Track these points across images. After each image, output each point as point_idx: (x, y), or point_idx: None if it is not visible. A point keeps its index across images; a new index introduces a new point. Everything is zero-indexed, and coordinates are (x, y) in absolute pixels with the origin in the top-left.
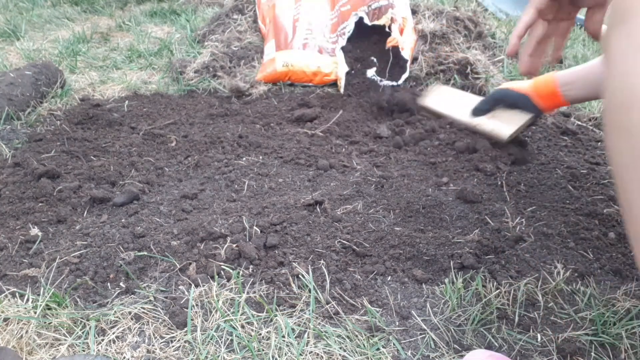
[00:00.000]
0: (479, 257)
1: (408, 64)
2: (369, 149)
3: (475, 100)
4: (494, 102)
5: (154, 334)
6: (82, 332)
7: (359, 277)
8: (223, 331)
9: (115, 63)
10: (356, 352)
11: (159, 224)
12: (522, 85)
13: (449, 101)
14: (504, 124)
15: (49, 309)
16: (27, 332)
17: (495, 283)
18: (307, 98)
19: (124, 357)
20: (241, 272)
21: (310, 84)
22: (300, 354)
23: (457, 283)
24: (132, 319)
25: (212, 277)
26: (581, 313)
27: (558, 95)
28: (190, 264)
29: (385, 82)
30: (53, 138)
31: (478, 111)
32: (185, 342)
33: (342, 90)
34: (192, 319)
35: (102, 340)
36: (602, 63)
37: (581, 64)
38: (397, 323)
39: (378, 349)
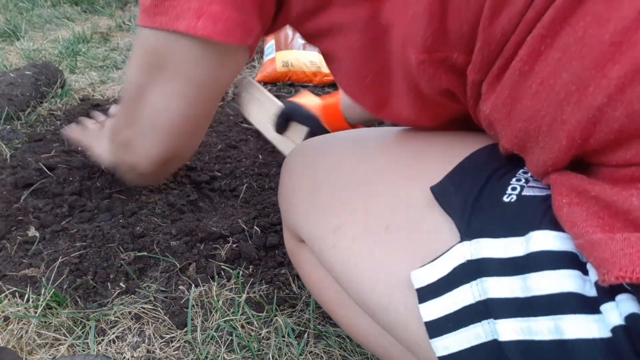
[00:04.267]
0: None
1: None
2: None
3: (275, 108)
4: (286, 119)
5: (154, 334)
6: (82, 332)
7: None
8: (223, 331)
9: (115, 63)
10: (356, 352)
11: (158, 224)
12: (314, 103)
13: (263, 114)
14: (287, 142)
15: (49, 308)
16: (27, 332)
17: None
18: None
19: (124, 357)
20: (241, 272)
21: (310, 84)
22: (300, 354)
23: None
24: (132, 319)
25: (212, 277)
26: None
27: (342, 118)
28: (190, 264)
29: None
30: (53, 138)
31: (276, 127)
32: (185, 342)
33: (341, 91)
34: (192, 319)
35: (102, 340)
36: None
37: None
38: None
39: None
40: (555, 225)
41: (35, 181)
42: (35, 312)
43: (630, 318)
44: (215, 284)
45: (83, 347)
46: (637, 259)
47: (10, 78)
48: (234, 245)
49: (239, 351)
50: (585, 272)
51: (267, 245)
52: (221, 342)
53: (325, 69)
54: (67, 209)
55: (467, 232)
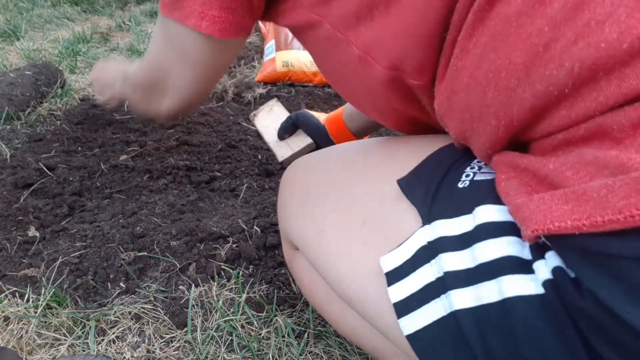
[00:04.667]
0: None
1: None
2: None
3: (284, 116)
4: (293, 125)
5: (154, 334)
6: (82, 332)
7: None
8: (223, 331)
9: None
10: (356, 352)
11: (158, 224)
12: (322, 115)
13: (272, 120)
14: (284, 147)
15: (49, 308)
16: (27, 332)
17: None
18: (306, 99)
19: (124, 357)
20: (241, 272)
21: (310, 84)
22: (300, 354)
23: None
24: (132, 319)
25: (212, 277)
26: None
27: (344, 128)
28: (190, 264)
29: None
30: (53, 138)
31: (281, 130)
32: (185, 342)
33: None
34: (192, 319)
35: (102, 340)
36: None
37: None
38: None
39: None
40: (498, 200)
41: (35, 181)
42: (35, 312)
43: (555, 270)
44: (215, 284)
45: (83, 347)
46: (549, 213)
47: (10, 78)
48: (234, 245)
49: (239, 351)
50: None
51: (267, 245)
52: (221, 342)
53: None
54: (67, 209)
55: (428, 218)
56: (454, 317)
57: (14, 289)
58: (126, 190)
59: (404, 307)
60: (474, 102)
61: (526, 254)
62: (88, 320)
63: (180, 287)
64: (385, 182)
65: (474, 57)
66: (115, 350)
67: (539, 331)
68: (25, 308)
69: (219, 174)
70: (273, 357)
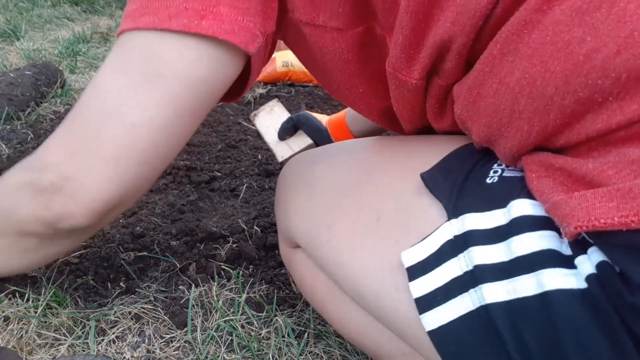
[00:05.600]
0: None
1: None
2: None
3: (285, 117)
4: (294, 126)
5: (154, 334)
6: (82, 332)
7: None
8: (223, 331)
9: None
10: (356, 352)
11: (158, 224)
12: (323, 117)
13: (272, 121)
14: (284, 147)
15: (49, 308)
16: (27, 332)
17: None
18: (306, 99)
19: (124, 357)
20: (241, 272)
21: (310, 84)
22: (300, 354)
23: None
24: (132, 319)
25: (212, 277)
26: None
27: (347, 130)
28: (190, 264)
29: None
30: None
31: (282, 130)
32: (185, 342)
33: None
34: (192, 319)
35: (102, 340)
36: None
37: None
38: None
39: None
40: (532, 196)
41: None
42: (35, 312)
43: (600, 266)
44: (215, 284)
45: (83, 347)
46: (592, 210)
47: (10, 78)
48: (234, 245)
49: (239, 351)
50: (561, 236)
51: (267, 245)
52: (221, 342)
53: None
54: None
55: (454, 212)
56: (485, 311)
57: (14, 288)
58: None
59: (427, 303)
60: (504, 108)
61: (565, 249)
62: (88, 320)
63: (180, 287)
64: (401, 178)
65: (504, 63)
66: (115, 350)
67: (582, 325)
68: (25, 308)
69: (219, 174)
70: (273, 357)
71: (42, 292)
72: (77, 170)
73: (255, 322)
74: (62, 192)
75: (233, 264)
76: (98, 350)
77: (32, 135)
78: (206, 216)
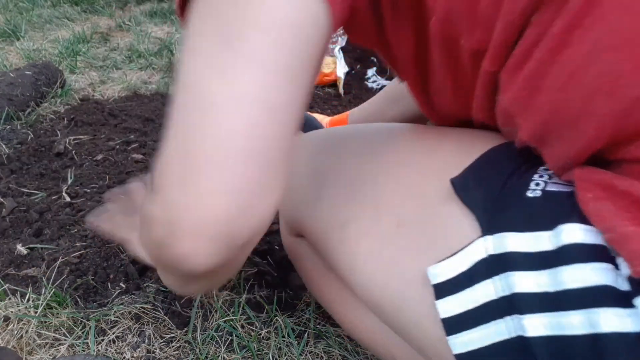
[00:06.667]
0: None
1: None
2: None
3: None
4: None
5: (154, 334)
6: (82, 332)
7: None
8: (223, 331)
9: (115, 63)
10: (356, 352)
11: None
12: (324, 117)
13: None
14: None
15: (49, 308)
16: (27, 332)
17: None
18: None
19: (124, 357)
20: (241, 272)
21: None
22: (300, 354)
23: None
24: (132, 319)
25: None
26: None
27: None
28: None
29: (385, 82)
30: (52, 138)
31: None
32: (185, 342)
33: (341, 91)
34: (192, 319)
35: (102, 340)
36: (384, 97)
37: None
38: None
39: None
40: (583, 220)
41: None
42: (36, 312)
43: None
44: None
45: (83, 347)
46: None
47: (10, 78)
48: None
49: (239, 351)
50: (616, 266)
51: (267, 245)
52: (221, 342)
53: (325, 69)
54: (68, 209)
55: (489, 227)
56: (522, 342)
57: (15, 288)
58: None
59: (456, 324)
60: (571, 107)
61: (621, 284)
62: (88, 320)
63: None
64: (425, 180)
65: (578, 53)
66: (115, 350)
67: None
68: (26, 308)
69: None
70: (273, 357)
71: (42, 292)
72: (183, 203)
73: (255, 322)
74: (171, 233)
75: None
76: (98, 350)
77: (32, 135)
78: None
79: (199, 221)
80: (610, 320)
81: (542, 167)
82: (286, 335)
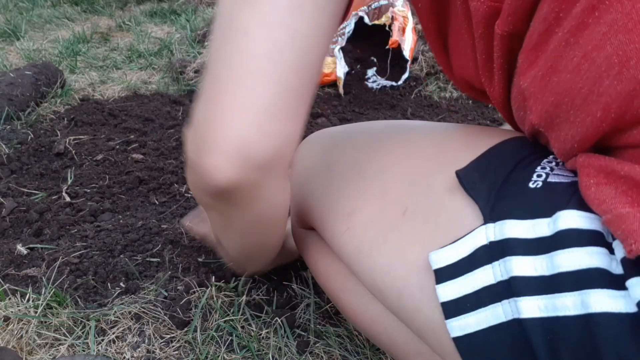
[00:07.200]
0: None
1: (408, 64)
2: None
3: None
4: None
5: (154, 334)
6: (82, 332)
7: None
8: (223, 331)
9: (115, 63)
10: (356, 352)
11: (158, 224)
12: None
13: None
14: None
15: (49, 308)
16: (27, 332)
17: None
18: None
19: (124, 357)
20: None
21: None
22: (300, 354)
23: None
24: (132, 319)
25: (213, 277)
26: None
27: None
28: (191, 263)
29: (385, 83)
30: (52, 138)
31: None
32: (185, 342)
33: (341, 91)
34: (192, 319)
35: (102, 340)
36: None
37: None
38: None
39: (378, 349)
40: (582, 207)
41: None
42: (36, 312)
43: None
44: (216, 284)
45: (83, 347)
46: None
47: (10, 78)
48: None
49: (239, 351)
50: (611, 252)
51: None
52: (221, 342)
53: (325, 69)
54: (68, 208)
55: (492, 215)
56: (518, 325)
57: (15, 288)
58: (126, 190)
59: (454, 308)
60: (581, 87)
61: (615, 268)
62: (88, 320)
63: (180, 287)
64: (433, 172)
65: (594, 34)
66: (115, 350)
67: (628, 352)
68: (26, 308)
69: None
70: (273, 357)
71: (42, 292)
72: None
73: (255, 322)
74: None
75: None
76: (98, 350)
77: (32, 135)
78: None
79: (220, 136)
80: (602, 301)
81: (545, 160)
82: (286, 336)
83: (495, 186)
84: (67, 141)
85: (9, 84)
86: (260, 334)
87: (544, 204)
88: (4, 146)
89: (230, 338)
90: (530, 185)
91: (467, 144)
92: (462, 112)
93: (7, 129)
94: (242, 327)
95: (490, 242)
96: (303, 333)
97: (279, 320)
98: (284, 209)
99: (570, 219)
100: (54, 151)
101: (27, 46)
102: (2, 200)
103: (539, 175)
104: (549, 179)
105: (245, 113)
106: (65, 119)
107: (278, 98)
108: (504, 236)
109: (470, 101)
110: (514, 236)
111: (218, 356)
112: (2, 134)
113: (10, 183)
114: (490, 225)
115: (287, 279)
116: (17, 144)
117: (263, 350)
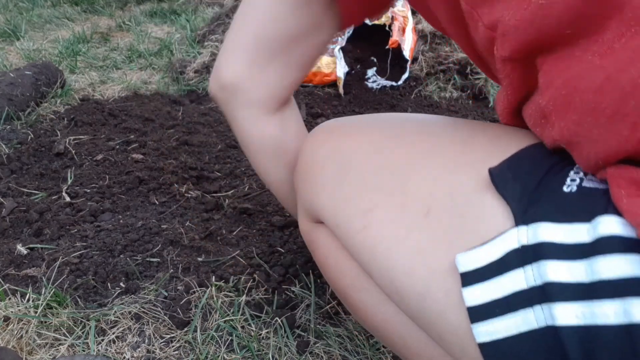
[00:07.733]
0: None
1: (408, 64)
2: None
3: None
4: None
5: (154, 334)
6: (82, 332)
7: None
8: (223, 331)
9: (115, 63)
10: (356, 352)
11: (158, 224)
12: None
13: None
14: None
15: (49, 308)
16: (27, 332)
17: None
18: (306, 99)
19: (124, 357)
20: (243, 276)
21: (309, 84)
22: (300, 354)
23: None
24: (132, 319)
25: (213, 277)
26: None
27: None
28: (190, 263)
29: (385, 83)
30: (52, 138)
31: None
32: (185, 342)
33: (341, 91)
34: (192, 319)
35: (102, 340)
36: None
37: None
38: None
39: (378, 349)
40: (619, 214)
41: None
42: (36, 312)
43: None
44: (216, 284)
45: (83, 347)
46: None
47: (10, 78)
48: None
49: (239, 351)
50: None
51: (267, 247)
52: (221, 342)
53: (325, 69)
54: (68, 208)
55: (524, 218)
56: (553, 333)
57: (15, 288)
58: (126, 190)
59: (482, 313)
60: (605, 108)
61: None
62: (88, 320)
63: (180, 287)
64: (458, 171)
65: (619, 58)
66: (115, 350)
67: None
68: (26, 308)
69: (219, 174)
70: (273, 357)
71: (42, 292)
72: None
73: (255, 322)
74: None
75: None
76: (98, 350)
77: (32, 135)
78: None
79: (217, 61)
80: None
81: (576, 166)
82: (286, 336)
83: (528, 188)
84: (67, 141)
85: (9, 84)
86: (260, 334)
87: (580, 208)
88: (4, 146)
89: (230, 338)
90: (565, 189)
91: (494, 143)
92: (462, 112)
93: (7, 129)
94: (242, 327)
95: (523, 246)
96: (303, 333)
97: (279, 321)
98: (259, 144)
99: (612, 225)
100: (54, 151)
101: (27, 46)
102: (2, 200)
103: (573, 180)
104: (584, 184)
105: (225, 50)
106: (65, 119)
107: (248, 46)
108: (538, 240)
109: (470, 101)
110: (549, 240)
111: (218, 356)
112: (2, 134)
113: (10, 183)
114: (523, 228)
115: (287, 279)
116: (17, 144)
117: (263, 350)
